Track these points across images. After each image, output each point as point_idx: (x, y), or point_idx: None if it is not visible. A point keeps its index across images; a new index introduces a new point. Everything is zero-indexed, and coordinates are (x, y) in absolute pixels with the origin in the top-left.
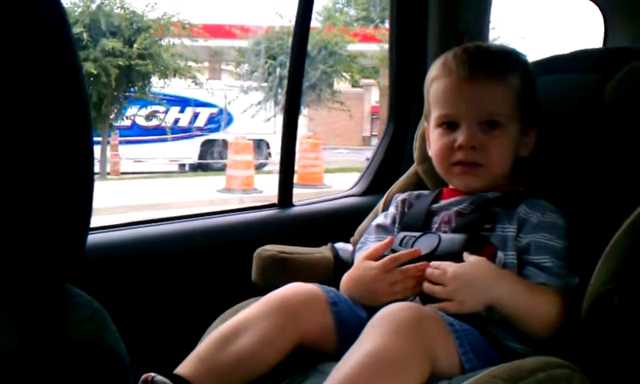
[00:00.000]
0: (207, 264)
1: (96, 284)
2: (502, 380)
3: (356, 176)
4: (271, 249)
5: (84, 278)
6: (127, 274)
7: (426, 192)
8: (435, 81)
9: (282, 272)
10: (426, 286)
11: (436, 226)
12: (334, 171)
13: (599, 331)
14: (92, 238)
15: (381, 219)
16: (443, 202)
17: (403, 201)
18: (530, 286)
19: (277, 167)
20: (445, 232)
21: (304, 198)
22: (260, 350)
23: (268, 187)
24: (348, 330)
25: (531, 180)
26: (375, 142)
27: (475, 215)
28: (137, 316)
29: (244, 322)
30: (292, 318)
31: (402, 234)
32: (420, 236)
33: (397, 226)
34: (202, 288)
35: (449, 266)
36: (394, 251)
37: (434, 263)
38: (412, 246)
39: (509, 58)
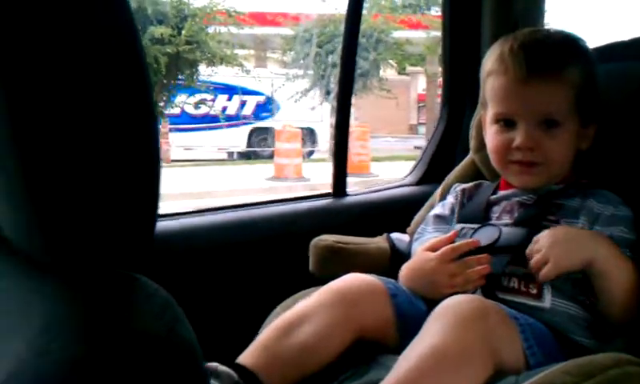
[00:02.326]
0: (263, 254)
1: (155, 273)
2: (572, 376)
3: (404, 165)
4: (328, 239)
5: (146, 268)
6: (184, 264)
7: (486, 182)
8: (491, 76)
9: (339, 262)
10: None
11: (496, 215)
12: (382, 160)
13: None
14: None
15: (439, 209)
16: (504, 192)
17: (463, 191)
18: (622, 254)
19: (324, 155)
20: (506, 222)
21: (352, 187)
22: (322, 341)
23: (316, 175)
24: (408, 322)
25: (592, 172)
26: (422, 130)
27: (539, 207)
28: (195, 306)
29: (305, 312)
30: (352, 309)
31: (460, 226)
32: (479, 228)
33: (455, 216)
34: (259, 278)
35: (540, 235)
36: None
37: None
38: (471, 238)
39: (568, 51)
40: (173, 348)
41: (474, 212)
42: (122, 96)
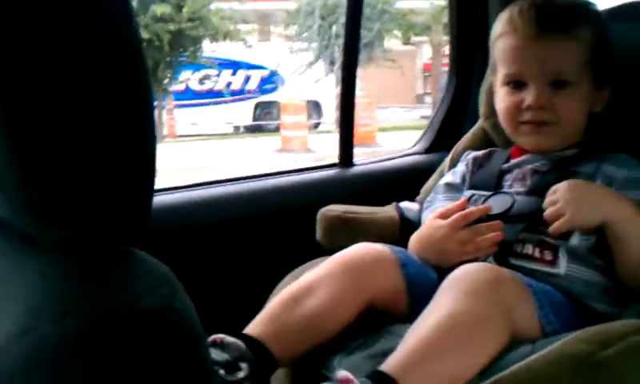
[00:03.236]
0: (270, 226)
1: (158, 247)
2: (590, 344)
3: (410, 134)
4: (336, 209)
5: (147, 242)
6: (190, 237)
7: (498, 150)
8: (501, 38)
9: (347, 232)
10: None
11: (508, 183)
12: (388, 130)
13: None
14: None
15: (449, 178)
16: (517, 160)
17: (475, 158)
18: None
19: (329, 127)
20: (519, 191)
21: (357, 157)
22: (330, 311)
23: (321, 147)
24: (418, 291)
25: (607, 135)
26: (429, 99)
27: (553, 174)
28: (203, 280)
29: (314, 282)
30: (362, 278)
31: (470, 193)
32: (491, 195)
33: (466, 184)
34: (267, 250)
35: (558, 185)
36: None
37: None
38: (483, 204)
39: (578, 11)
40: (168, 324)
41: (485, 179)
42: (116, 71)
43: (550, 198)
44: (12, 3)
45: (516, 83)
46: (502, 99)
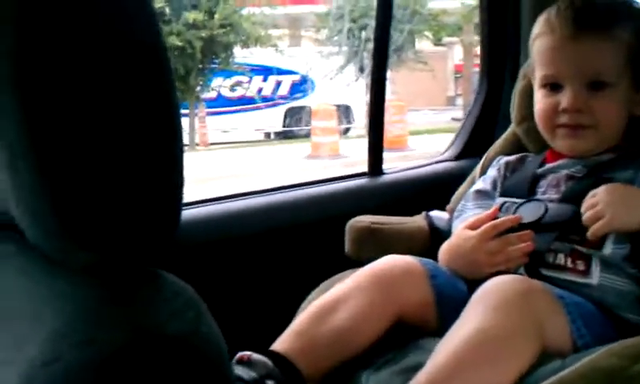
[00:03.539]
0: (299, 238)
1: (187, 262)
2: (621, 359)
3: (442, 137)
4: (364, 220)
5: (176, 257)
6: (218, 251)
7: (531, 155)
8: (538, 38)
9: (376, 244)
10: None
11: (542, 189)
12: (420, 133)
13: None
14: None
15: (480, 184)
16: (551, 165)
17: (507, 164)
18: None
19: (360, 131)
20: (552, 197)
21: (388, 162)
22: (358, 325)
23: (353, 152)
24: (448, 304)
25: None
26: (460, 101)
27: (589, 180)
28: (230, 296)
29: (341, 296)
30: (390, 291)
31: (502, 200)
32: (523, 203)
33: (498, 191)
34: (296, 263)
35: (597, 189)
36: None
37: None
38: (514, 213)
39: (618, 10)
40: (193, 349)
41: (518, 186)
42: (143, 89)
43: (589, 201)
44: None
45: (553, 85)
46: (539, 101)
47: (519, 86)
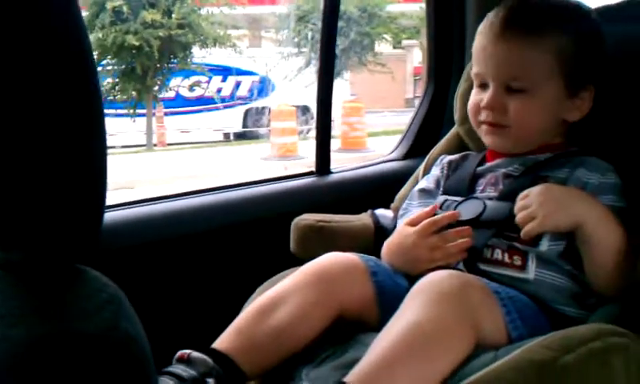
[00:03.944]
0: (246, 237)
1: (129, 263)
2: (551, 350)
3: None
4: (309, 218)
5: (116, 257)
6: (164, 251)
7: (473, 153)
8: (477, 37)
9: (321, 241)
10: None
11: (481, 188)
12: (378, 135)
13: None
14: (124, 213)
15: (424, 183)
16: (490, 164)
17: (450, 163)
18: (614, 219)
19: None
20: (490, 195)
21: (348, 162)
22: (299, 323)
23: (311, 153)
24: (389, 300)
25: (587, 137)
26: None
27: (525, 179)
28: (177, 295)
29: (282, 294)
30: (331, 288)
31: (443, 198)
32: (463, 201)
33: (441, 189)
34: (243, 261)
35: (530, 189)
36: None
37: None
38: (455, 210)
39: (556, 14)
40: (112, 346)
41: (458, 184)
42: (65, 89)
43: (521, 202)
44: None
45: (482, 84)
46: (470, 98)
47: (462, 87)
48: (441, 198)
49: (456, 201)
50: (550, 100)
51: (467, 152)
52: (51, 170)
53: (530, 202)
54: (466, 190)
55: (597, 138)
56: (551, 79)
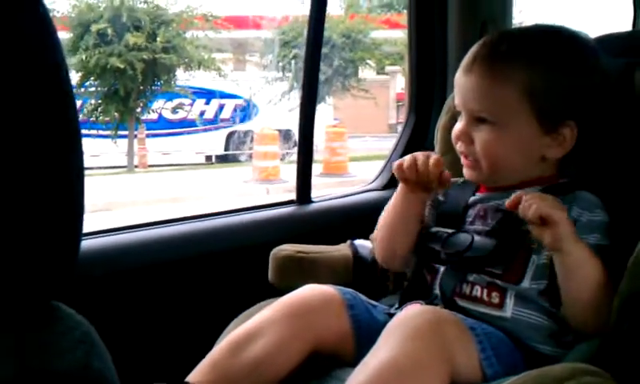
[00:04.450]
0: (222, 266)
1: (101, 292)
2: None
3: (381, 164)
4: (288, 248)
5: (89, 286)
6: (140, 280)
7: (469, 182)
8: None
9: (299, 272)
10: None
11: (470, 220)
12: (360, 159)
13: (630, 336)
14: (100, 241)
15: None
16: (481, 195)
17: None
18: (595, 256)
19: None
20: (478, 229)
21: (329, 187)
22: (274, 356)
23: (293, 177)
24: (366, 334)
25: (580, 170)
26: (400, 129)
27: (512, 214)
28: (152, 325)
29: (257, 327)
30: (307, 322)
31: (436, 229)
32: (454, 233)
33: (432, 215)
34: (218, 291)
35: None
36: (428, 247)
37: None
38: (445, 242)
39: (529, 48)
40: None
41: (451, 214)
42: (39, 119)
43: (513, 200)
44: None
45: (460, 114)
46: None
47: (442, 120)
48: (434, 229)
49: (447, 232)
50: (521, 136)
51: (466, 179)
52: (25, 203)
53: (528, 198)
54: (459, 221)
55: (589, 169)
56: (520, 115)
